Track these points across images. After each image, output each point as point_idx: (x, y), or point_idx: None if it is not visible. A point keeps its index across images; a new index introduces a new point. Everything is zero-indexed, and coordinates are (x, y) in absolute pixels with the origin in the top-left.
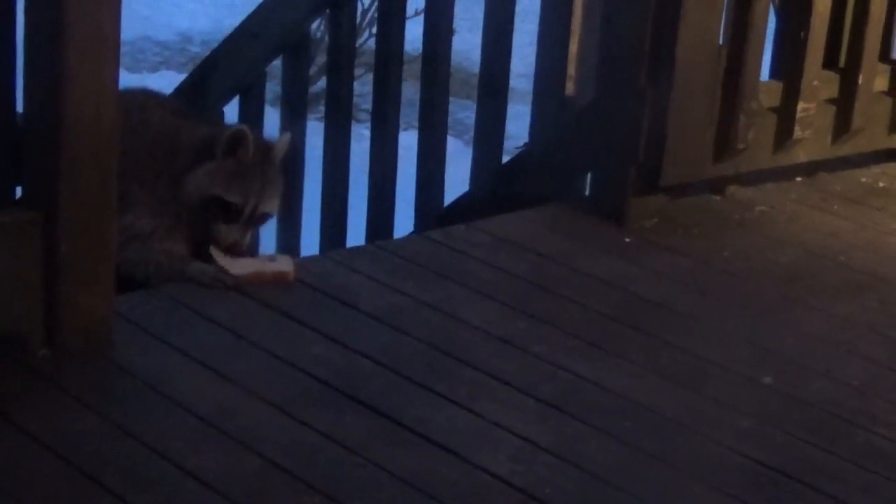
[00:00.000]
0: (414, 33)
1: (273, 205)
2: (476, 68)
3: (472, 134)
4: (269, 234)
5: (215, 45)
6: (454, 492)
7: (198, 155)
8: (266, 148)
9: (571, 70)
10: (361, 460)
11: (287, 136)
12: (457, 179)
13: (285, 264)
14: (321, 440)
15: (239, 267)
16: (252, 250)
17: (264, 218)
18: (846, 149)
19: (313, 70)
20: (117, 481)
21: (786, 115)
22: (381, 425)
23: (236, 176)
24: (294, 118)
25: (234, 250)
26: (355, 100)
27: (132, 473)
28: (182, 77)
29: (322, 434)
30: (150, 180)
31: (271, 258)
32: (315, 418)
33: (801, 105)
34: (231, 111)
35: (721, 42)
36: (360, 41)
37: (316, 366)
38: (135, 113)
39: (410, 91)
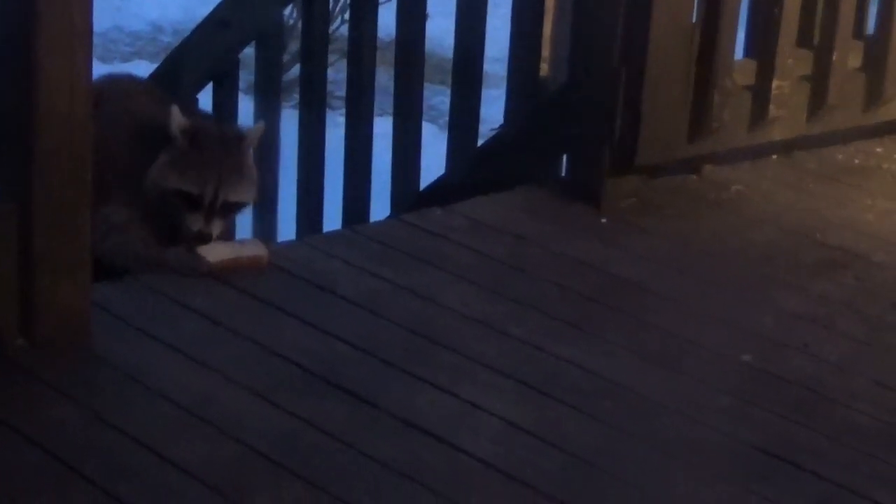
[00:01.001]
0: (387, 19)
1: (241, 194)
2: (450, 53)
3: (446, 119)
4: (245, 221)
5: (187, 34)
6: (436, 475)
7: (156, 150)
8: (232, 136)
9: (545, 52)
10: (342, 446)
11: (260, 124)
12: (432, 164)
13: (258, 248)
14: (301, 426)
15: (214, 254)
16: (228, 237)
17: (232, 207)
18: (821, 126)
19: (286, 57)
20: (98, 471)
21: (760, 93)
22: (361, 410)
23: (191, 165)
24: (268, 106)
25: (200, 239)
26: (329, 87)
27: (112, 463)
28: (154, 67)
29: (302, 420)
30: (130, 170)
31: (242, 242)
32: (295, 405)
33: (775, 83)
34: (205, 100)
35: (694, 21)
36: (332, 27)
37: (295, 352)
38: (118, 101)
39: (384, 77)
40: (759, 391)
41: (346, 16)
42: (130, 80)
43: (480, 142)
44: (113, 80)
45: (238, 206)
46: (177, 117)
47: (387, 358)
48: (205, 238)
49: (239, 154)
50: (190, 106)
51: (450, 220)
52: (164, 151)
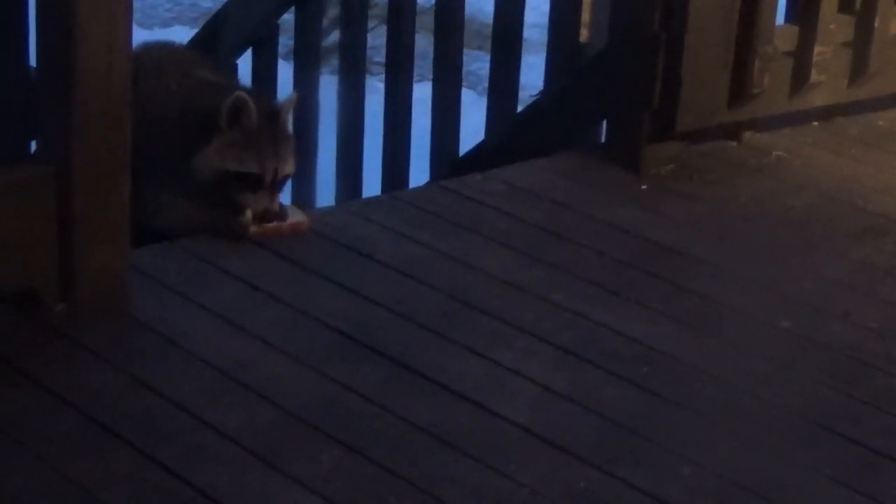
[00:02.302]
0: None
1: (291, 165)
2: (489, 19)
3: (485, 84)
4: (285, 187)
5: None
6: (473, 440)
7: (204, 129)
8: (273, 109)
9: (585, 17)
10: (380, 410)
11: (294, 95)
12: (471, 130)
13: (298, 215)
14: (339, 390)
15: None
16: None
17: (286, 179)
18: (862, 92)
19: (326, 23)
20: (136, 434)
21: (802, 59)
22: (399, 375)
23: (248, 146)
24: (307, 71)
25: (267, 217)
26: (368, 52)
27: (151, 426)
28: (194, 32)
29: (340, 384)
30: (173, 150)
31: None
32: (333, 369)
33: (817, 49)
34: (244, 65)
35: None
36: None
37: (333, 317)
38: (156, 77)
39: (424, 43)
40: (798, 357)
41: None
42: (168, 49)
43: (520, 108)
44: (150, 51)
45: (288, 178)
46: (243, 101)
47: (425, 323)
48: (271, 215)
49: (285, 126)
50: (226, 75)
51: (488, 185)
52: (216, 136)
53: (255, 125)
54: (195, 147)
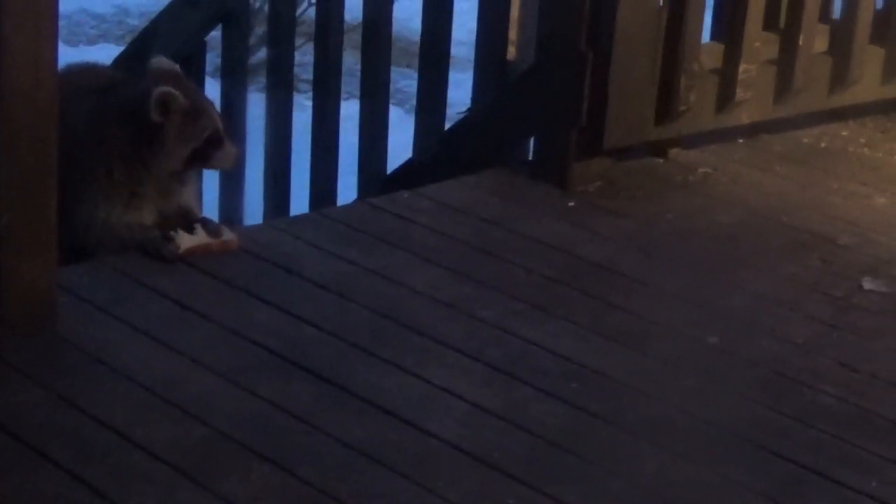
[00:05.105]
0: (354, 1)
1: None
2: (417, 36)
3: (413, 102)
4: (212, 204)
5: (153, 16)
6: (403, 457)
7: (136, 132)
8: (176, 75)
9: (512, 34)
10: (310, 428)
11: (160, 58)
12: (399, 148)
13: (227, 234)
14: (269, 408)
15: (188, 240)
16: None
17: None
18: (788, 110)
19: (253, 40)
20: (64, 454)
21: (727, 76)
22: (328, 392)
23: (194, 117)
24: (235, 89)
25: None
26: (296, 70)
27: (79, 446)
28: (120, 49)
29: (269, 402)
30: (101, 165)
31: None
32: (262, 387)
33: (742, 66)
34: None
35: (661, 4)
36: (299, 10)
37: (262, 334)
38: (77, 98)
39: (351, 60)
40: (725, 372)
41: None
42: (92, 70)
43: (447, 125)
44: (72, 71)
45: None
46: (168, 94)
47: (354, 340)
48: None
49: (191, 83)
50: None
51: (417, 202)
52: (161, 135)
53: (183, 100)
54: (135, 151)
